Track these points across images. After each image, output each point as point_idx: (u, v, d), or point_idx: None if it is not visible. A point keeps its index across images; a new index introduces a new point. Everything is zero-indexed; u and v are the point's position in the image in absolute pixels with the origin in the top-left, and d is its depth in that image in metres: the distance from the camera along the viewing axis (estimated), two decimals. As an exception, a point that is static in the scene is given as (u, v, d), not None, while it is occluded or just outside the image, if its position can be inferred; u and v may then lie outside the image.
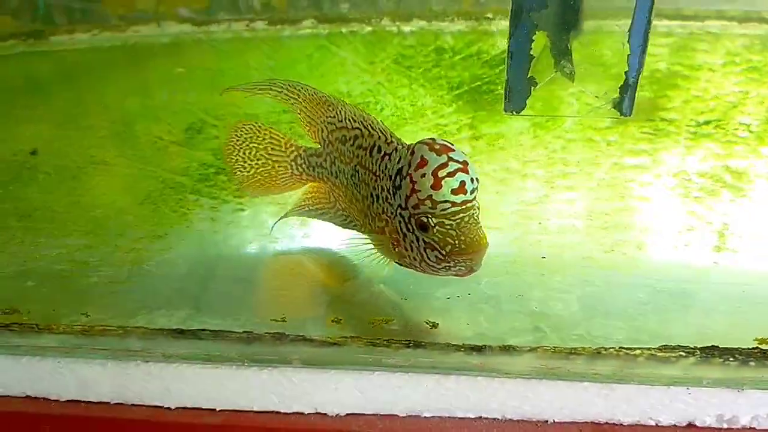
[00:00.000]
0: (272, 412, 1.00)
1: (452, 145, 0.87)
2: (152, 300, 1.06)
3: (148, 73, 1.57)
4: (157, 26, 1.68)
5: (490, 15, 1.62)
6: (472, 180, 0.85)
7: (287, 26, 1.71)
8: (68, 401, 1.01)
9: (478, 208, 0.87)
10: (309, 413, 0.99)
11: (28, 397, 1.02)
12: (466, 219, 0.85)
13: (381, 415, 0.97)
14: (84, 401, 1.02)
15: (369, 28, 1.67)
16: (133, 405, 1.02)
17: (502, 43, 1.55)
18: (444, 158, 0.85)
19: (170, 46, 1.66)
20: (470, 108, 1.39)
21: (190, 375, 0.99)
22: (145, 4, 1.73)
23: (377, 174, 0.95)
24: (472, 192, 0.85)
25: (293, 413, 1.00)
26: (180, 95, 1.48)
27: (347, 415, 0.98)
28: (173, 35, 1.68)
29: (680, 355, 0.87)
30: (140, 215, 1.22)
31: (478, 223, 0.86)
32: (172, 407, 1.01)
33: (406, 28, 1.65)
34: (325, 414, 0.98)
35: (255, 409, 1.00)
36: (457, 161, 0.85)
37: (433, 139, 0.89)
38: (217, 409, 1.01)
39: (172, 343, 0.97)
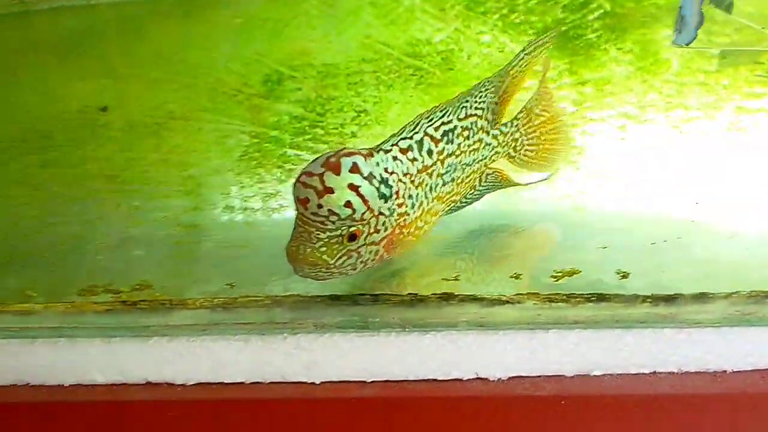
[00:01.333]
0: (428, 380, 0.93)
1: (343, 168, 0.84)
2: (280, 265, 0.96)
3: (203, 25, 1.43)
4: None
5: (556, -42, 1.54)
6: (318, 206, 0.82)
7: (345, -27, 1.60)
8: (196, 384, 0.92)
9: (331, 236, 0.85)
10: (468, 379, 0.93)
11: (148, 383, 0.92)
12: (299, 229, 0.85)
13: (547, 376, 0.92)
14: (215, 383, 0.92)
15: (431, -26, 1.57)
16: (272, 383, 0.93)
17: (577, -14, 1.48)
18: (317, 168, 0.84)
19: (222, -4, 1.52)
20: (564, 54, 1.32)
21: (344, 345, 0.90)
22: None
23: None
24: (314, 215, 0.83)
25: (451, 380, 0.93)
26: (244, 46, 1.36)
27: (510, 378, 0.92)
28: (224, -15, 1.54)
29: None
30: (242, 173, 1.12)
31: (309, 242, 0.85)
32: (317, 382, 0.92)
33: (470, -27, 1.56)
34: (487, 379, 0.92)
35: (410, 378, 0.93)
36: (318, 184, 0.83)
37: (341, 150, 0.86)
38: (368, 381, 0.93)
39: (326, 311, 0.89)
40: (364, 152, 0.88)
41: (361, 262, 0.88)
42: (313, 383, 0.92)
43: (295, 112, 1.23)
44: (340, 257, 0.86)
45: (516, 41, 1.38)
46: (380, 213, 0.87)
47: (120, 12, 1.47)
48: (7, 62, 1.30)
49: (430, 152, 0.96)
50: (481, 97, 1.04)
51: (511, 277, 0.91)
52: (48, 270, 0.95)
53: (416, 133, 0.96)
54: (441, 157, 0.98)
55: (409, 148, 0.94)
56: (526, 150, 1.10)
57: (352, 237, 0.85)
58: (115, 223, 1.03)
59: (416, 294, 0.88)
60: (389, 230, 0.90)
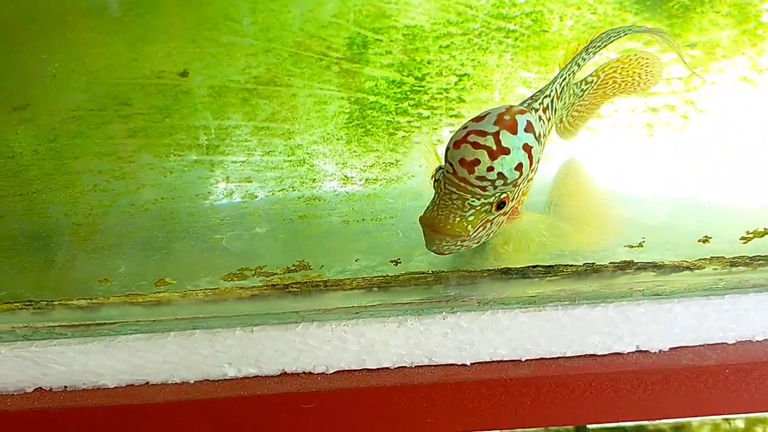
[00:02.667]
0: (586, 356, 0.87)
1: (519, 126, 0.74)
2: (415, 238, 0.87)
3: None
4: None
5: None
6: (489, 168, 0.72)
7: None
8: (337, 372, 0.83)
9: (484, 203, 0.75)
10: (629, 352, 0.87)
11: (284, 374, 0.82)
12: (451, 196, 0.74)
13: (710, 344, 0.86)
14: (358, 370, 0.84)
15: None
16: (419, 367, 0.85)
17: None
18: (490, 126, 0.73)
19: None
20: (661, 16, 1.26)
21: (505, 322, 0.83)
22: None
23: None
24: (480, 179, 0.73)
25: (610, 354, 0.87)
26: (315, 8, 1.25)
27: (672, 349, 0.86)
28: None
29: None
30: (353, 141, 1.01)
31: (460, 211, 0.74)
32: (468, 363, 0.85)
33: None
34: (648, 351, 0.86)
35: (567, 354, 0.87)
36: (493, 144, 0.72)
37: (512, 107, 0.76)
38: (523, 360, 0.86)
39: (493, 286, 0.80)
40: (527, 110, 0.79)
41: (487, 234, 0.80)
42: (463, 365, 0.85)
43: (391, 77, 1.12)
44: (479, 228, 0.76)
45: (605, 3, 1.31)
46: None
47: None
48: (56, 27, 1.15)
49: (554, 110, 0.89)
50: (588, 52, 0.95)
51: (700, 240, 0.83)
52: (167, 253, 0.82)
53: (551, 90, 0.88)
54: (554, 115, 0.90)
55: (548, 107, 0.87)
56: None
57: (501, 205, 0.76)
58: (223, 199, 0.91)
59: (592, 264, 0.80)
60: (518, 197, 0.81)
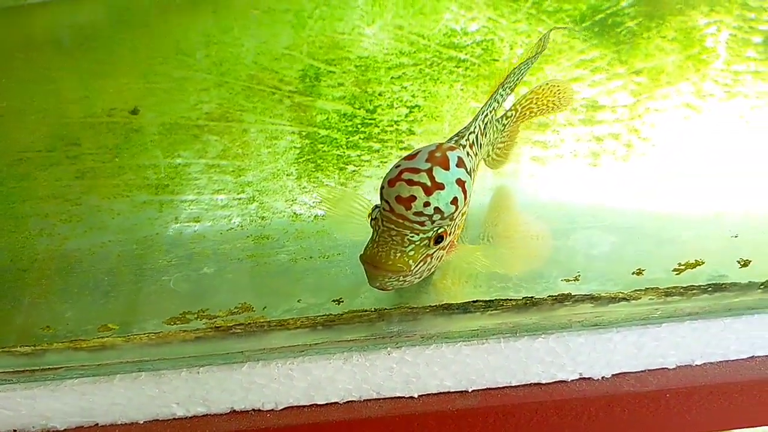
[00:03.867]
0: (531, 384, 0.89)
1: (451, 162, 0.76)
2: (363, 274, 0.88)
3: (220, 18, 1.33)
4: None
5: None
6: (426, 204, 0.74)
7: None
8: (286, 409, 0.84)
9: (423, 238, 0.77)
10: (572, 380, 0.89)
11: (233, 411, 0.83)
12: (389, 232, 0.76)
13: (651, 370, 0.89)
14: (307, 405, 0.85)
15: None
16: (367, 400, 0.87)
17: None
18: (422, 164, 0.76)
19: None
20: (609, 42, 1.29)
21: (449, 355, 0.85)
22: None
23: None
24: (418, 215, 0.75)
25: (554, 383, 0.89)
26: (269, 40, 1.26)
27: (614, 375, 0.89)
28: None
29: None
30: (303, 176, 1.02)
31: (400, 246, 0.76)
32: (416, 395, 0.87)
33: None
34: (590, 378, 0.89)
35: (513, 383, 0.88)
36: (427, 181, 0.75)
37: (441, 145, 0.79)
38: (470, 390, 0.88)
39: (436, 321, 0.82)
40: (456, 146, 0.82)
41: (428, 269, 0.82)
42: (411, 397, 0.87)
43: (343, 110, 1.14)
44: (419, 262, 0.78)
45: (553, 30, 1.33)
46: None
47: (130, 4, 1.35)
48: (5, 64, 1.16)
49: (480, 146, 0.92)
50: (509, 84, 0.99)
51: (633, 273, 0.86)
52: (114, 297, 0.83)
53: (475, 126, 0.91)
54: (480, 150, 0.93)
55: (473, 142, 0.90)
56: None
57: (439, 239, 0.78)
58: (172, 239, 0.92)
59: (531, 297, 0.82)
60: (454, 232, 0.84)
